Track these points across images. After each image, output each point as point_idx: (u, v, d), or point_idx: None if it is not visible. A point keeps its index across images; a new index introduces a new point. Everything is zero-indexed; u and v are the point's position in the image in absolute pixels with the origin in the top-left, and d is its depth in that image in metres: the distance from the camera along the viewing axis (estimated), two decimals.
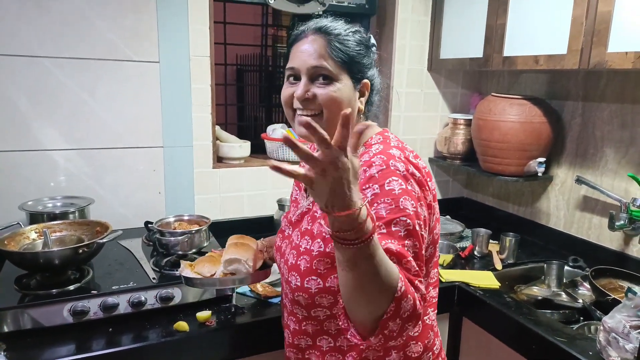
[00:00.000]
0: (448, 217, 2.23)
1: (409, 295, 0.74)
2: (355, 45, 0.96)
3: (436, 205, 0.97)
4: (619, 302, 1.25)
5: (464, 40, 1.98)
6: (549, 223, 1.99)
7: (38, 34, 1.54)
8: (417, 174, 0.89)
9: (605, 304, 1.42)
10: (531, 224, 2.06)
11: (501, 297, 1.50)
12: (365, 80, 0.98)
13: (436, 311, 1.07)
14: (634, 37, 1.36)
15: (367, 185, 0.86)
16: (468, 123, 2.13)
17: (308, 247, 0.94)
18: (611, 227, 1.64)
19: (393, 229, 0.81)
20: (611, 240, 1.75)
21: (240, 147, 1.95)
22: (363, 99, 0.99)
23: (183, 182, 1.81)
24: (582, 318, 1.53)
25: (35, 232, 1.34)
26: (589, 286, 1.58)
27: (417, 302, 0.76)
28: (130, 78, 1.68)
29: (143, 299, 1.23)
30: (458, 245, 1.89)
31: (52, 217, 1.46)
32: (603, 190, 1.70)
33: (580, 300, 1.57)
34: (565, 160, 1.92)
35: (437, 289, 1.07)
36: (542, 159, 1.85)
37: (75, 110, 1.62)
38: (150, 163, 1.76)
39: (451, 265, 1.71)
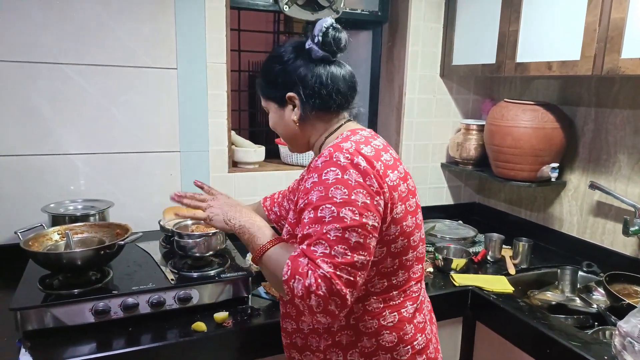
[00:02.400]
0: (460, 222, 2.23)
1: (297, 276, 0.88)
2: (265, 75, 1.09)
3: (404, 196, 1.00)
4: (633, 307, 1.25)
5: (477, 47, 2.00)
6: (562, 228, 1.99)
7: (60, 41, 1.59)
8: (362, 164, 0.93)
9: (619, 309, 1.42)
10: (544, 230, 2.06)
11: (515, 302, 1.51)
12: (289, 94, 1.04)
13: (420, 306, 1.08)
14: None
15: (310, 175, 0.95)
16: (480, 129, 2.14)
17: (286, 232, 1.06)
18: (625, 232, 1.64)
19: (319, 214, 0.90)
20: (625, 246, 1.75)
21: (255, 152, 1.98)
22: (296, 109, 1.05)
23: None
24: (596, 323, 1.53)
25: (58, 234, 1.37)
26: (603, 291, 1.58)
27: (312, 280, 0.87)
28: (149, 84, 1.72)
29: (162, 299, 1.26)
30: (471, 250, 1.90)
31: (74, 219, 1.50)
32: (617, 196, 1.70)
33: (595, 306, 1.56)
34: (578, 166, 1.92)
35: (420, 284, 1.10)
36: (555, 165, 1.86)
37: (95, 116, 1.67)
38: (168, 167, 1.79)
39: (464, 270, 1.72)
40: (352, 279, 0.89)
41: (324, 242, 0.89)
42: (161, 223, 1.60)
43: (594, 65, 1.51)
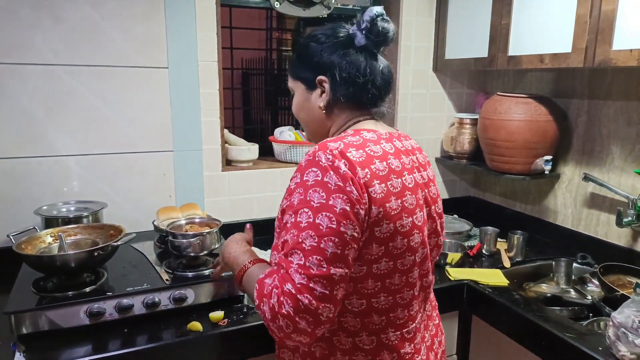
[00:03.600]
0: (455, 216, 2.24)
1: (264, 299, 0.84)
2: (299, 53, 1.04)
3: (395, 214, 0.90)
4: (627, 297, 1.26)
5: (469, 41, 2.00)
6: (557, 221, 2.00)
7: (52, 43, 1.57)
8: (343, 168, 0.85)
9: (614, 300, 1.42)
10: (539, 222, 2.07)
11: (510, 295, 1.51)
12: (320, 77, 0.99)
13: (410, 335, 1.00)
14: (638, 35, 1.37)
15: (295, 174, 0.90)
16: (474, 122, 2.14)
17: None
18: (619, 223, 1.64)
19: (298, 218, 0.85)
20: (619, 237, 1.76)
21: (248, 150, 1.97)
22: (324, 95, 1.00)
23: (193, 185, 1.84)
24: (591, 314, 1.53)
25: (51, 236, 1.37)
26: (597, 283, 1.59)
27: (275, 300, 0.82)
28: (141, 84, 1.71)
29: (157, 299, 1.26)
30: (466, 244, 1.91)
31: (67, 221, 1.49)
32: (610, 187, 1.70)
33: (589, 297, 1.57)
34: (572, 158, 1.92)
35: (409, 310, 0.99)
36: (549, 157, 1.86)
37: (88, 117, 1.66)
38: (161, 167, 1.79)
39: (459, 264, 1.73)
40: (327, 292, 0.81)
41: (299, 251, 0.83)
42: (155, 223, 1.60)
43: (585, 57, 1.51)
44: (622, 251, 1.73)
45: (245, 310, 1.35)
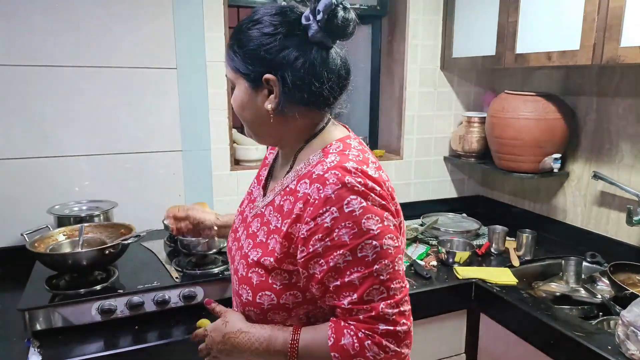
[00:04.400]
0: (464, 214, 2.23)
1: (357, 358, 0.77)
2: (241, 40, 0.85)
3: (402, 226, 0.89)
4: (637, 296, 1.25)
5: (476, 39, 1.99)
6: (566, 219, 1.99)
7: (62, 45, 1.60)
8: (377, 188, 0.80)
9: (624, 299, 1.41)
10: (548, 221, 2.06)
11: (519, 294, 1.51)
12: (267, 75, 0.83)
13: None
14: None
15: (325, 209, 0.77)
16: (482, 121, 2.13)
17: (257, 259, 0.86)
18: (629, 222, 1.63)
19: (359, 255, 0.77)
20: (629, 235, 1.74)
21: (256, 150, 1.98)
22: (273, 97, 0.84)
23: (202, 184, 1.86)
24: (600, 313, 1.52)
25: (64, 235, 1.39)
26: (607, 281, 1.58)
27: (384, 344, 0.77)
28: (150, 85, 1.73)
29: (167, 297, 1.28)
30: (474, 242, 1.90)
31: (79, 220, 1.52)
32: (620, 185, 1.69)
33: (599, 296, 1.56)
34: (581, 156, 1.91)
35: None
36: (558, 155, 1.85)
37: (98, 117, 1.68)
38: (170, 167, 1.81)
39: (468, 263, 1.72)
40: (410, 307, 0.81)
41: (378, 286, 0.77)
42: (165, 222, 1.61)
43: (593, 54, 1.50)
44: (633, 250, 1.72)
45: None
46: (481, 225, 2.08)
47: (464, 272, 1.64)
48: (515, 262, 1.76)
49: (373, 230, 0.77)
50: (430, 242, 1.92)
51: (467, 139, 2.17)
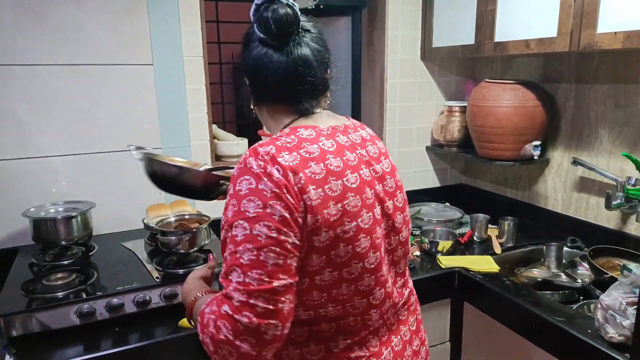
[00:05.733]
0: (447, 204, 2.24)
1: (204, 330, 0.78)
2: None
3: (335, 220, 0.83)
4: (616, 280, 1.27)
5: (456, 28, 1.99)
6: (547, 205, 2.01)
7: (35, 42, 1.55)
8: (276, 175, 0.78)
9: (603, 283, 1.43)
10: (530, 207, 2.07)
11: (501, 281, 1.52)
12: (245, 78, 0.97)
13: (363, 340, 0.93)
14: (622, 17, 1.36)
15: (230, 185, 0.82)
16: (463, 110, 2.14)
17: None
18: (608, 206, 1.65)
19: (233, 232, 0.78)
20: (609, 220, 1.77)
21: (237, 145, 1.97)
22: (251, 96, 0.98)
23: None
24: (581, 297, 1.54)
25: None
26: (587, 266, 1.60)
27: (212, 327, 0.76)
28: (126, 82, 1.70)
29: (147, 298, 1.26)
30: (457, 231, 1.91)
31: (54, 223, 1.48)
32: (599, 171, 1.71)
33: (580, 280, 1.58)
34: (561, 143, 1.92)
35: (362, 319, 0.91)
36: (537, 142, 1.86)
37: (74, 116, 1.65)
38: None
39: (450, 252, 1.73)
40: (271, 307, 0.74)
41: (237, 267, 0.75)
42: (145, 221, 1.59)
43: (570, 41, 1.50)
44: (612, 234, 1.74)
45: None
46: (464, 213, 2.09)
47: (447, 261, 1.65)
48: (498, 250, 1.78)
49: (249, 212, 0.77)
50: (414, 232, 1.93)
51: (448, 129, 2.17)
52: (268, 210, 0.77)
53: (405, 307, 1.05)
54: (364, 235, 0.86)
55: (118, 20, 1.65)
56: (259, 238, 0.76)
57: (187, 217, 1.53)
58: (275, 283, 0.75)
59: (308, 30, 0.92)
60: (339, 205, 0.83)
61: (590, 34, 1.44)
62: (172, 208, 1.63)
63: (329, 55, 0.96)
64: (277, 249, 0.76)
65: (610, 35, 1.39)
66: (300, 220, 0.79)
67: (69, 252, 1.50)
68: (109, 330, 1.21)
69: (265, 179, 0.78)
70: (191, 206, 1.73)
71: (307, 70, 0.90)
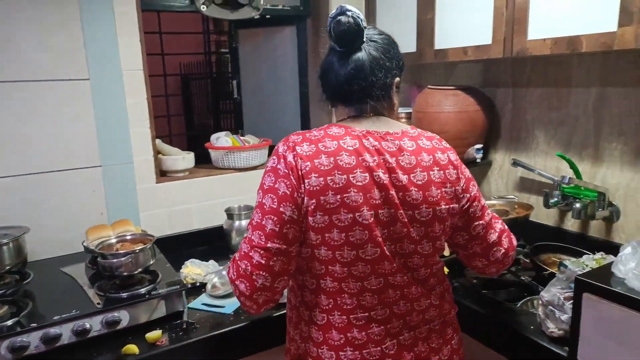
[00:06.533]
0: None
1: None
2: None
3: (332, 208, 0.94)
4: (555, 275, 1.32)
5: (398, 36, 1.97)
6: None
7: None
8: (289, 159, 0.96)
9: (544, 279, 1.49)
10: None
11: (450, 283, 1.54)
12: None
13: (360, 323, 1.01)
14: (550, 24, 1.43)
15: None
16: (409, 116, 2.18)
17: None
18: (546, 204, 1.72)
19: (256, 199, 0.99)
20: (548, 217, 1.84)
21: (183, 159, 1.92)
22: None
23: (126, 200, 1.77)
24: (526, 294, 1.59)
25: None
26: (530, 263, 1.66)
27: (228, 270, 1.01)
28: (61, 98, 1.62)
29: (88, 326, 1.20)
30: None
31: None
32: (537, 171, 1.78)
33: (523, 277, 1.64)
34: (502, 145, 2.00)
35: (357, 299, 1.00)
36: (479, 146, 1.92)
37: (4, 136, 1.55)
38: (89, 184, 1.70)
39: None
40: (263, 261, 0.94)
41: (250, 226, 0.98)
42: (85, 244, 1.52)
43: (504, 48, 1.56)
44: (552, 230, 1.82)
45: (184, 326, 1.31)
46: None
47: None
48: (446, 252, 1.81)
49: (265, 184, 0.97)
50: None
51: None
52: (276, 186, 0.95)
53: (428, 325, 1.08)
54: (360, 229, 0.96)
55: (49, 34, 1.58)
56: (265, 206, 0.95)
57: (129, 237, 1.47)
58: (269, 244, 0.94)
59: (374, 41, 1.06)
60: (338, 196, 0.94)
61: (521, 40, 1.51)
62: (114, 229, 1.57)
63: (394, 64, 1.10)
64: (275, 218, 0.94)
65: (539, 42, 1.45)
66: (299, 200, 0.94)
67: (0, 282, 1.40)
68: None
69: (282, 160, 0.96)
70: (136, 225, 1.67)
71: (359, 74, 1.02)
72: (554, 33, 1.41)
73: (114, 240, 1.44)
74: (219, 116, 4.16)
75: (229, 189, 1.98)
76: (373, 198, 0.96)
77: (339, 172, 0.94)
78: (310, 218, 0.95)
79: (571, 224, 1.77)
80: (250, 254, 0.94)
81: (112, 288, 1.35)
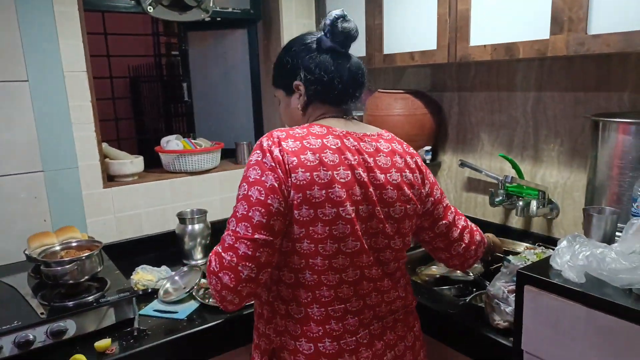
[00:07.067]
0: None
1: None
2: (276, 64, 1.16)
3: (318, 202, 0.98)
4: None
5: None
6: None
7: None
8: (275, 153, 0.98)
9: (491, 274, 1.56)
10: None
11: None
12: (295, 82, 1.10)
13: (338, 314, 1.05)
14: (490, 32, 1.50)
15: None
16: (360, 119, 2.21)
17: None
18: (492, 203, 1.80)
19: (238, 192, 1.00)
20: (494, 215, 1.93)
21: (132, 163, 1.86)
22: (301, 97, 1.11)
23: (71, 206, 1.70)
24: (474, 289, 1.67)
25: None
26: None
27: (208, 261, 1.00)
28: None
29: (31, 337, 1.15)
30: None
31: None
32: (482, 171, 1.86)
33: (471, 274, 1.71)
34: (449, 147, 2.07)
35: (334, 291, 1.04)
36: (428, 147, 1.99)
37: None
38: (31, 190, 1.62)
39: None
40: (249, 253, 0.94)
41: (233, 218, 0.97)
42: (27, 252, 1.45)
43: (448, 53, 1.63)
44: (498, 228, 1.90)
45: (135, 333, 1.28)
46: None
47: None
48: None
49: (250, 177, 0.98)
50: None
51: None
52: (263, 178, 0.96)
53: (394, 315, 1.15)
54: (342, 222, 1.00)
55: None
56: (251, 198, 0.96)
57: (75, 244, 1.41)
58: (256, 235, 0.95)
59: None
60: (323, 191, 0.98)
61: (464, 46, 1.58)
62: (58, 236, 1.50)
63: None
64: (262, 210, 0.95)
65: (480, 48, 1.53)
66: (286, 192, 0.97)
67: None
68: None
69: (268, 154, 0.97)
70: (82, 232, 1.60)
71: (357, 76, 1.10)
72: (493, 40, 1.49)
73: (58, 248, 1.38)
74: (171, 119, 4.06)
75: (180, 194, 1.95)
76: (355, 194, 1.01)
77: (324, 169, 0.98)
78: (295, 211, 0.97)
79: (515, 221, 1.86)
80: (236, 245, 0.95)
81: (57, 297, 1.29)
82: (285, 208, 0.97)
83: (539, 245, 1.65)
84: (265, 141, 1.00)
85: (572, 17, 1.26)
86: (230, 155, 2.27)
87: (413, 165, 1.14)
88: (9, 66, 1.55)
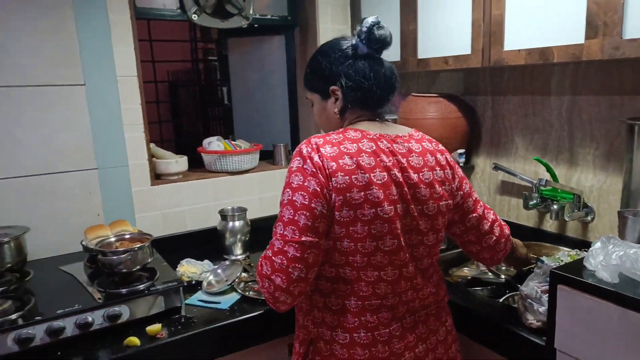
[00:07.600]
0: None
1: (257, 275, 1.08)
2: (311, 68, 1.20)
3: (357, 203, 1.03)
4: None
5: None
6: None
7: None
8: (315, 159, 1.02)
9: (524, 276, 1.57)
10: None
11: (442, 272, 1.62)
12: (332, 87, 1.14)
13: (374, 307, 1.10)
14: (523, 36, 1.53)
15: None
16: (394, 123, 2.26)
17: None
18: (526, 206, 1.81)
19: (282, 198, 1.05)
20: (528, 219, 1.94)
21: (177, 163, 1.97)
22: (338, 101, 1.15)
23: (122, 202, 1.82)
24: (507, 291, 1.68)
25: None
26: None
27: (259, 266, 1.06)
28: (56, 103, 1.66)
29: (90, 319, 1.24)
30: None
31: None
32: (516, 174, 1.88)
33: (503, 276, 1.73)
34: (483, 150, 2.10)
35: (373, 287, 1.09)
36: (462, 150, 2.02)
37: (3, 138, 1.59)
38: (86, 186, 1.75)
39: None
40: (298, 255, 0.99)
41: (280, 223, 1.03)
42: (83, 243, 1.56)
43: (482, 58, 1.66)
44: (531, 231, 1.91)
45: (183, 320, 1.36)
46: None
47: None
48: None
49: (294, 183, 1.03)
50: None
51: None
52: (305, 184, 1.01)
53: (426, 310, 1.20)
54: (380, 222, 1.05)
55: (43, 40, 1.62)
56: (296, 203, 1.01)
57: (127, 236, 1.52)
58: (304, 238, 1.00)
59: None
60: (362, 193, 1.03)
61: (498, 51, 1.60)
62: (112, 228, 1.61)
63: None
64: (308, 213, 1.00)
65: (514, 52, 1.55)
66: (328, 195, 1.02)
67: (2, 279, 1.44)
68: (50, 356, 1.18)
69: (309, 160, 1.03)
70: (132, 226, 1.71)
71: (396, 81, 1.17)
72: (527, 44, 1.51)
73: (113, 239, 1.48)
74: (208, 122, 4.19)
75: (221, 192, 2.04)
76: (392, 194, 1.06)
77: (362, 171, 1.03)
78: (336, 213, 1.03)
79: (550, 225, 1.87)
80: (285, 248, 1.00)
81: (112, 285, 1.39)
82: (327, 210, 1.02)
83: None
84: (304, 148, 1.05)
85: (607, 22, 1.28)
86: (267, 157, 2.35)
87: (443, 162, 1.18)
88: (68, 71, 1.67)
